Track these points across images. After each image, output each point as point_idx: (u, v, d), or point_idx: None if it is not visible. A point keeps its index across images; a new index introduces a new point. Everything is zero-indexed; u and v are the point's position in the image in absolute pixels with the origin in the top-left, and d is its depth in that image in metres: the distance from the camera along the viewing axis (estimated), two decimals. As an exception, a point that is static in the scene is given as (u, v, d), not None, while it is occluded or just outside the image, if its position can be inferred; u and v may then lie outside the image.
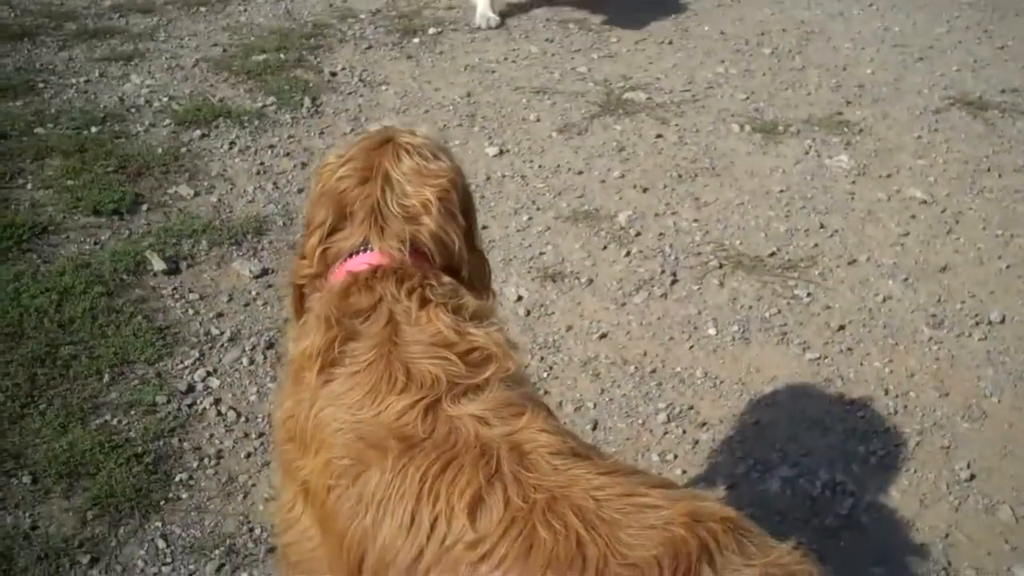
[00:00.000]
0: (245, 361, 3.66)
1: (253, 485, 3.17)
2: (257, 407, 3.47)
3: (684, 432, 3.48)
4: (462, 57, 6.29)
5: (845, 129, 5.55)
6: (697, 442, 3.45)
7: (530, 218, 4.62)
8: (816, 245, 4.50)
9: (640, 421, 3.53)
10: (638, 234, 4.54)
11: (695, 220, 4.66)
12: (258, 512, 3.07)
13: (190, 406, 3.45)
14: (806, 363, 3.82)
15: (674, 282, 4.23)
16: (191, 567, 2.90)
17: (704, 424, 3.52)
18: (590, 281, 4.22)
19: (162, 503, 3.07)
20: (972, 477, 3.34)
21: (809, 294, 4.17)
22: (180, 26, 6.53)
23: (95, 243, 4.22)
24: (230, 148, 5.04)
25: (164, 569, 2.88)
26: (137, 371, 3.57)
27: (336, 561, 1.80)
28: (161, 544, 2.94)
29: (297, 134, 5.24)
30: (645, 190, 4.89)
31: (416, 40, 6.48)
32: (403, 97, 5.72)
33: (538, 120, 5.54)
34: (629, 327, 3.98)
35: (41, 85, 5.56)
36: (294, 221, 4.48)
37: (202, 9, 6.82)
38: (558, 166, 5.08)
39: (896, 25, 7.11)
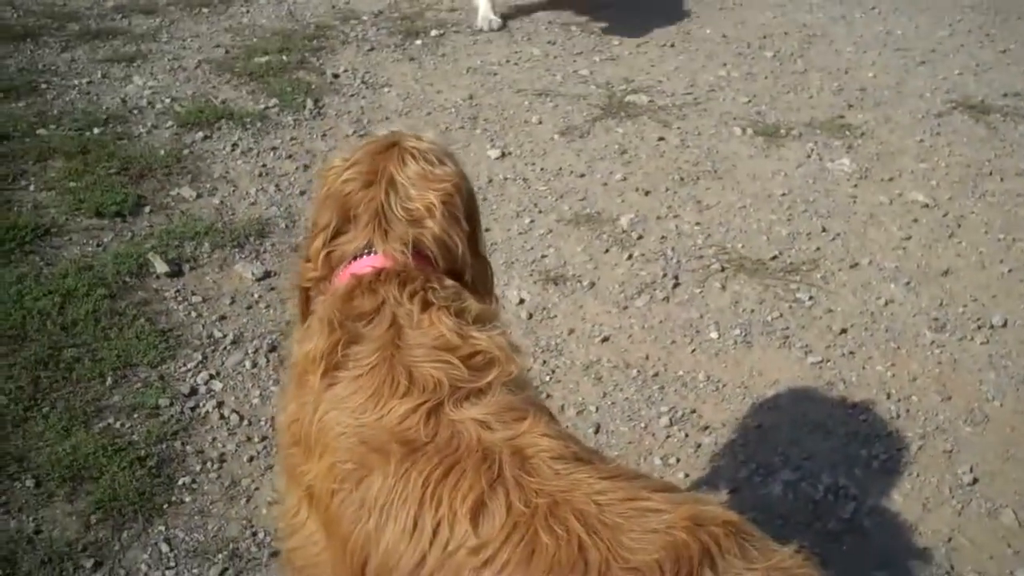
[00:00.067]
0: (248, 364, 3.66)
1: (256, 489, 3.17)
2: (260, 410, 3.47)
3: (686, 436, 3.48)
4: (464, 59, 6.30)
5: (847, 132, 5.55)
6: (699, 446, 3.45)
7: (532, 221, 4.62)
8: (818, 248, 4.50)
9: (642, 425, 3.53)
10: (640, 237, 4.54)
11: (697, 223, 4.66)
12: (261, 516, 3.07)
13: (193, 409, 3.45)
14: (808, 367, 3.82)
15: (676, 285, 4.23)
16: (194, 571, 2.89)
17: (706, 428, 3.52)
18: (592, 284, 4.22)
19: (165, 507, 3.07)
20: (975, 481, 3.34)
21: (811, 297, 4.17)
22: (182, 27, 6.54)
23: (98, 245, 4.23)
24: (232, 150, 5.04)
25: (167, 573, 2.88)
26: (140, 374, 3.57)
27: (339, 565, 1.80)
28: (164, 548, 2.94)
29: (299, 136, 5.24)
30: (647, 193, 4.89)
31: (418, 42, 6.48)
32: (405, 99, 5.72)
33: (540, 123, 5.54)
34: (631, 330, 3.98)
35: (44, 86, 5.56)
36: (296, 223, 4.48)
37: (204, 10, 6.83)
38: (560, 169, 5.08)
39: (898, 29, 7.11)
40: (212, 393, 3.52)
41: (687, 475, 3.34)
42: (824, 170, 5.17)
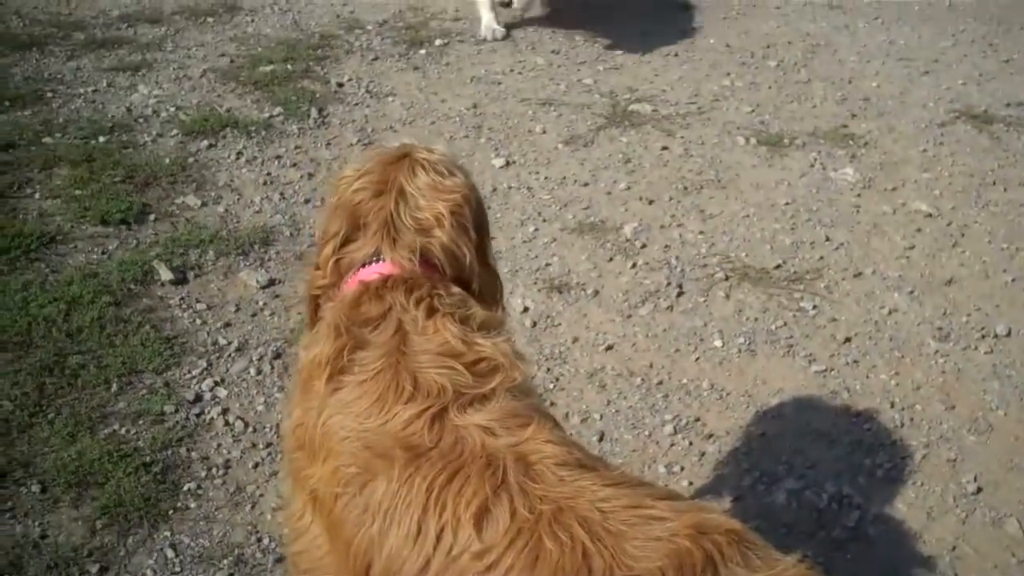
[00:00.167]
0: (252, 371, 3.67)
1: (261, 495, 3.17)
2: (265, 417, 3.48)
3: (690, 444, 3.49)
4: (468, 69, 6.31)
5: (850, 142, 5.56)
6: (703, 454, 3.45)
7: (536, 229, 4.63)
8: (822, 258, 4.51)
9: (646, 433, 3.53)
10: (644, 246, 4.55)
11: (701, 232, 4.67)
12: (266, 522, 3.08)
13: (198, 416, 3.45)
14: (812, 375, 3.82)
15: (680, 294, 4.24)
16: (199, 577, 2.91)
17: (710, 436, 3.53)
18: (596, 293, 4.23)
19: (171, 513, 3.08)
20: (979, 490, 3.34)
21: (815, 307, 4.17)
22: (187, 36, 6.56)
23: (103, 253, 4.24)
24: (237, 158, 5.06)
25: (173, 579, 2.89)
26: (145, 380, 3.58)
27: (343, 569, 1.81)
28: (170, 554, 2.94)
29: (304, 145, 5.25)
30: (651, 202, 4.90)
31: (422, 51, 6.50)
32: (409, 108, 5.73)
33: (544, 132, 5.55)
34: (635, 339, 3.98)
35: (49, 95, 5.58)
36: (301, 231, 4.50)
37: (209, 20, 6.85)
38: (564, 178, 5.09)
39: (901, 38, 7.13)
40: (217, 400, 3.53)
41: (691, 483, 3.34)
42: (827, 180, 5.18)
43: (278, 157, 5.10)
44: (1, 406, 3.37)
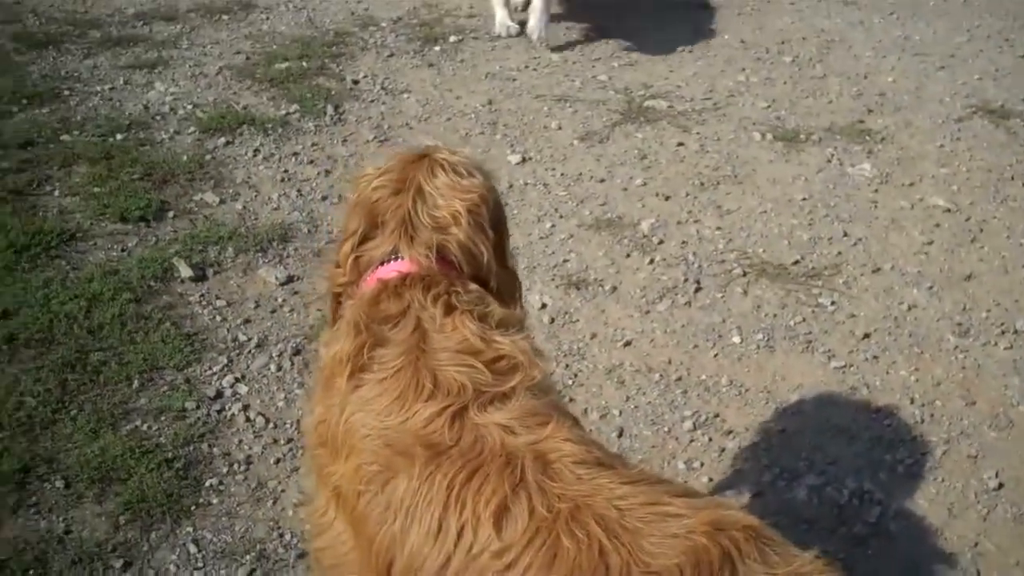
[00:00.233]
0: (272, 367, 3.68)
1: (282, 491, 3.19)
2: (285, 413, 3.49)
3: (710, 440, 3.49)
4: (483, 65, 6.32)
5: (867, 137, 5.55)
6: (723, 450, 3.46)
7: (553, 226, 4.64)
8: (840, 253, 4.50)
9: (666, 429, 3.53)
10: (661, 242, 4.55)
11: (718, 228, 4.67)
12: (288, 518, 3.09)
13: (219, 412, 3.47)
14: (831, 371, 3.82)
15: (698, 290, 4.24)
16: (222, 572, 2.91)
17: (730, 432, 3.53)
18: (614, 289, 4.23)
19: (193, 508, 3.09)
20: (1000, 486, 3.34)
21: (833, 302, 4.17)
22: (203, 34, 6.57)
23: (123, 250, 4.25)
24: (254, 155, 5.07)
25: (196, 574, 2.90)
26: (166, 377, 3.60)
27: (366, 566, 1.83)
28: (192, 549, 2.96)
29: (320, 142, 5.26)
30: (667, 198, 4.90)
31: (437, 48, 6.50)
32: (425, 105, 5.74)
33: (559, 128, 5.55)
34: (653, 335, 3.98)
35: (67, 92, 5.61)
36: (318, 228, 4.51)
37: (225, 17, 6.86)
38: (580, 174, 5.10)
39: (916, 34, 7.11)
40: (238, 396, 3.55)
41: (711, 479, 3.34)
42: (844, 175, 5.17)
43: (295, 154, 5.11)
44: (24, 402, 3.39)
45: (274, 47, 6.42)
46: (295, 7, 7.13)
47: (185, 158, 4.98)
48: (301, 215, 4.60)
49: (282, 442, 3.37)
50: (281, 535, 3.04)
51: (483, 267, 2.14)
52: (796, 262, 4.42)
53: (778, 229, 4.67)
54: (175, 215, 4.53)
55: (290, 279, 4.16)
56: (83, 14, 6.82)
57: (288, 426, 3.43)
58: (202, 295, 4.02)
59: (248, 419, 3.45)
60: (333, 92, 5.80)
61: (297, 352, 3.77)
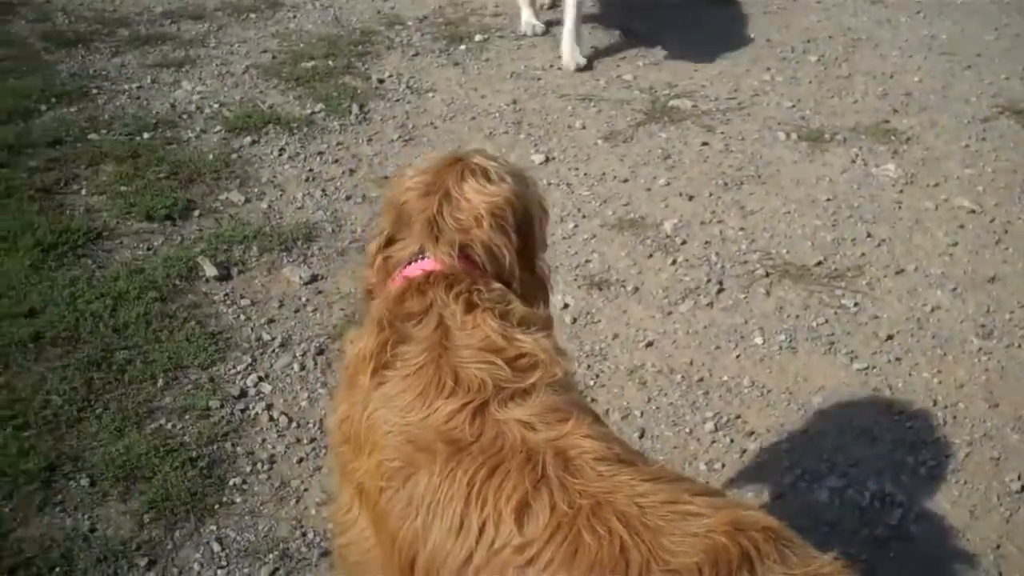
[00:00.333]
0: (296, 367, 3.71)
1: (305, 490, 3.21)
2: (308, 412, 3.52)
3: (732, 441, 3.49)
4: (508, 64, 6.33)
5: (892, 137, 5.52)
6: (745, 451, 3.46)
7: (576, 226, 4.64)
8: (863, 254, 4.49)
9: (687, 430, 3.54)
10: (684, 242, 4.55)
11: (741, 228, 4.66)
12: (311, 517, 3.12)
13: (243, 411, 3.50)
14: (854, 373, 3.81)
15: (720, 291, 4.24)
16: (246, 571, 2.94)
17: (752, 433, 3.53)
18: (636, 289, 4.23)
19: (217, 507, 3.12)
20: (1022, 488, 3.32)
21: (856, 303, 4.16)
22: (230, 33, 6.62)
23: (148, 249, 4.30)
24: (280, 154, 5.11)
25: (219, 572, 2.93)
26: (191, 376, 3.63)
27: (389, 562, 1.85)
28: (216, 548, 2.99)
29: (345, 141, 5.29)
30: (691, 198, 4.90)
31: (462, 47, 6.52)
32: (450, 104, 5.76)
33: (583, 127, 5.56)
34: (675, 335, 3.99)
35: (95, 91, 5.66)
36: (342, 228, 4.54)
37: (252, 16, 6.90)
38: (604, 174, 5.10)
39: (943, 33, 7.06)
40: (261, 395, 3.57)
41: (732, 480, 3.34)
42: (869, 175, 5.15)
43: (320, 153, 5.14)
44: (51, 401, 3.43)
45: (300, 46, 6.45)
46: (322, 5, 7.17)
47: (211, 157, 5.02)
48: (325, 214, 4.62)
49: (305, 441, 3.39)
50: (304, 534, 3.06)
51: (505, 269, 2.16)
52: (819, 263, 4.41)
53: (801, 230, 4.66)
54: (201, 214, 4.57)
55: (314, 278, 4.19)
56: (112, 12, 6.88)
57: (311, 425, 3.46)
58: (227, 294, 4.06)
59: (271, 418, 3.47)
60: (359, 91, 5.83)
61: (320, 352, 3.79)
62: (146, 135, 5.20)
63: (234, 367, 3.69)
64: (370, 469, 1.89)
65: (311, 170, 4.98)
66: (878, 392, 3.73)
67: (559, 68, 6.28)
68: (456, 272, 2.08)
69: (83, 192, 4.66)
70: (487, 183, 2.18)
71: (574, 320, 4.03)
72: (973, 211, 4.83)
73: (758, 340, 3.96)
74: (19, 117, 5.31)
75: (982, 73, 6.39)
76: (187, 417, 3.44)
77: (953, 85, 6.21)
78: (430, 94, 5.87)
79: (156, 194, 4.62)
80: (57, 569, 2.88)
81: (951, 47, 6.81)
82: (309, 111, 5.55)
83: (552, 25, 6.83)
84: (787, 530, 1.57)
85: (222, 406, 3.50)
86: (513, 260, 2.17)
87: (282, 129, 5.33)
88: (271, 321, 3.94)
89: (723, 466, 3.39)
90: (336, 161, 5.08)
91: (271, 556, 2.98)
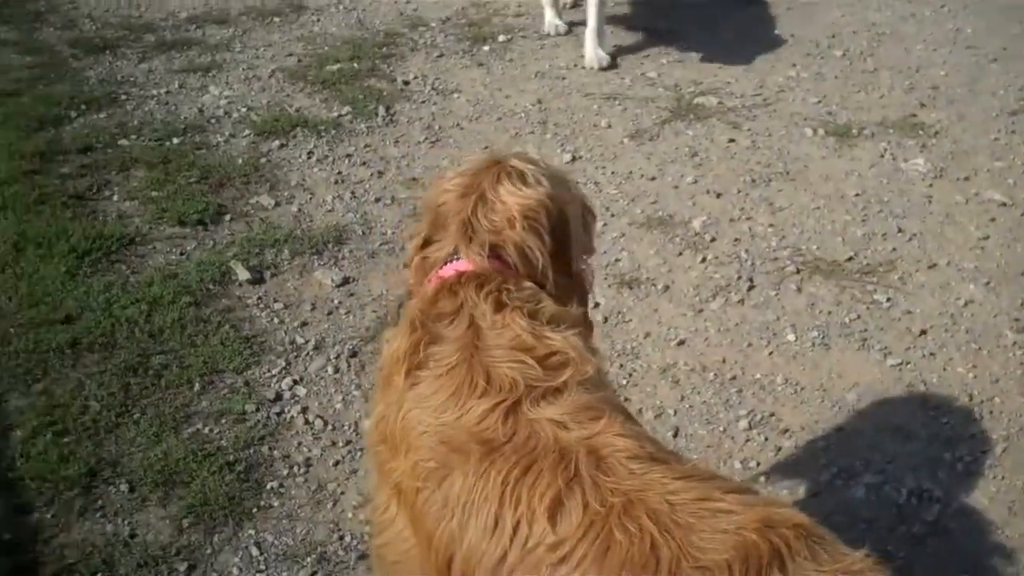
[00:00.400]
0: (330, 369, 3.73)
1: (342, 493, 3.23)
2: (343, 415, 3.53)
3: (766, 439, 3.49)
4: (532, 64, 6.33)
5: (920, 132, 5.50)
6: (779, 449, 3.45)
7: (604, 224, 4.64)
8: (894, 249, 4.47)
9: (721, 428, 3.54)
10: (713, 240, 4.54)
11: (770, 225, 4.65)
12: (348, 520, 3.13)
13: (278, 415, 3.52)
14: (888, 369, 3.80)
15: (751, 288, 4.23)
16: (284, 574, 2.95)
17: (786, 431, 3.52)
18: (666, 288, 4.23)
19: (254, 511, 3.14)
20: (1061, 483, 3.31)
21: (889, 299, 4.15)
22: (255, 37, 6.65)
23: (181, 253, 4.33)
24: (308, 158, 5.13)
25: (258, 576, 2.95)
26: (226, 380, 3.65)
27: (426, 562, 1.87)
28: (255, 552, 3.00)
29: (373, 143, 5.31)
30: (719, 195, 4.89)
31: (486, 48, 6.53)
32: (475, 105, 5.77)
33: (609, 126, 5.56)
34: (707, 333, 3.98)
35: (123, 97, 5.70)
36: (372, 230, 4.55)
37: (276, 20, 6.94)
38: (630, 172, 5.10)
39: (969, 26, 7.02)
40: (296, 398, 3.59)
41: (767, 478, 3.34)
42: (898, 170, 5.13)
43: (348, 156, 5.16)
44: (89, 407, 3.46)
45: (325, 49, 6.48)
46: (345, 8, 7.19)
47: (240, 161, 5.05)
48: (355, 216, 4.64)
49: (340, 444, 3.41)
50: (341, 537, 3.08)
51: (537, 271, 2.17)
52: (850, 258, 4.40)
53: (831, 225, 4.65)
54: (232, 218, 4.59)
55: (346, 281, 4.20)
56: (138, 18, 6.93)
57: (346, 428, 3.47)
58: (260, 298, 4.08)
59: (307, 421, 3.49)
60: (384, 93, 5.85)
61: (354, 354, 3.81)
62: (175, 140, 5.24)
63: (269, 370, 3.71)
64: (406, 469, 1.90)
65: (340, 173, 5.00)
66: (912, 388, 3.72)
67: (583, 67, 6.28)
68: (487, 272, 2.09)
69: (115, 198, 4.70)
70: (523, 186, 2.19)
71: (605, 319, 4.03)
72: (1004, 204, 4.81)
73: (790, 337, 3.95)
74: (50, 124, 5.36)
75: (1008, 66, 6.36)
76: (223, 421, 3.46)
77: (980, 78, 6.18)
78: (455, 95, 5.88)
79: (187, 199, 4.65)
80: (98, 574, 2.91)
81: (976, 40, 6.78)
82: (336, 114, 5.58)
83: (575, 25, 6.83)
84: (818, 527, 1.58)
85: (258, 410, 3.52)
86: (546, 262, 2.18)
87: (310, 132, 5.36)
88: (304, 324, 3.96)
89: (758, 464, 3.39)
90: (364, 163, 5.10)
91: (309, 559, 3.00)
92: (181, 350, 3.75)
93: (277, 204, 4.71)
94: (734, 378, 3.76)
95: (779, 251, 4.46)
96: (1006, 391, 3.69)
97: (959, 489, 3.29)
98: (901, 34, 6.88)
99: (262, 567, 2.97)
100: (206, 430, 3.42)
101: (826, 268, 4.33)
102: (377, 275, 4.25)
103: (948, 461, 3.39)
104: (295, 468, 3.31)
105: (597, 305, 4.10)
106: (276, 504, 3.18)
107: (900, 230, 4.61)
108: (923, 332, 3.97)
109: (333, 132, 5.38)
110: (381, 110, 5.61)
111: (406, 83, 6.00)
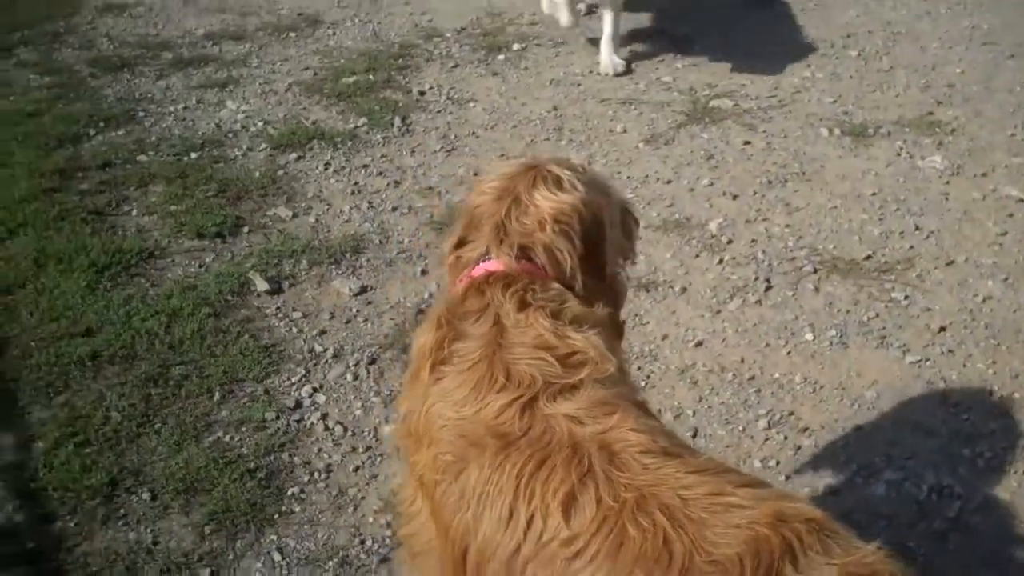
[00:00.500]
0: (349, 377, 3.75)
1: (363, 498, 3.24)
2: (363, 421, 3.55)
3: (786, 438, 3.48)
4: (547, 71, 6.35)
5: (937, 129, 5.49)
6: (799, 448, 3.45)
7: (622, 229, 4.64)
8: (912, 247, 4.46)
9: (740, 428, 3.53)
10: (730, 241, 4.54)
11: (787, 226, 4.65)
12: (369, 524, 3.14)
13: (298, 422, 3.54)
14: (907, 366, 3.79)
15: (768, 288, 4.23)
16: (306, 579, 2.98)
17: (805, 430, 3.52)
18: (684, 289, 4.23)
19: (276, 517, 3.16)
20: (1083, 478, 3.30)
21: (907, 296, 4.14)
22: (272, 51, 6.70)
23: (200, 266, 4.36)
24: (325, 169, 5.16)
25: (281, 581, 2.97)
26: (246, 389, 3.68)
27: (443, 553, 1.90)
28: (277, 557, 3.02)
29: (389, 153, 5.34)
30: (735, 197, 4.89)
31: (501, 56, 6.56)
32: (491, 113, 5.79)
33: (624, 131, 5.57)
34: (725, 334, 3.98)
35: (141, 114, 5.76)
36: (389, 239, 4.57)
37: (292, 34, 6.99)
38: (646, 176, 5.11)
39: (985, 23, 7.00)
40: (316, 406, 3.61)
41: (787, 477, 3.33)
42: (915, 168, 5.12)
43: (365, 166, 5.19)
44: (110, 417, 3.49)
45: (341, 61, 6.52)
46: (361, 21, 7.24)
47: (258, 174, 5.09)
48: (372, 226, 4.67)
49: (361, 450, 3.43)
50: (363, 541, 3.09)
51: (566, 273, 2.19)
52: (868, 257, 4.39)
53: (848, 224, 4.64)
54: (250, 230, 4.63)
55: (363, 289, 4.23)
56: (155, 36, 6.99)
57: (366, 434, 3.49)
58: (278, 307, 4.11)
59: (327, 428, 3.51)
60: (400, 104, 5.88)
61: (372, 361, 3.83)
62: (193, 155, 5.28)
63: (288, 379, 3.73)
64: (428, 462, 1.94)
65: (356, 183, 5.03)
66: (932, 384, 3.70)
67: (598, 73, 6.29)
68: (515, 272, 2.12)
69: (134, 213, 4.74)
70: (557, 190, 2.22)
71: (623, 322, 4.03)
72: (1021, 200, 4.79)
73: (808, 336, 3.95)
74: (69, 142, 5.42)
75: (1025, 62, 6.33)
76: (244, 429, 3.49)
77: (996, 75, 6.16)
78: (471, 104, 5.91)
79: (205, 212, 4.69)
80: (123, 582, 2.94)
81: (993, 37, 6.76)
82: (352, 125, 5.61)
83: (590, 31, 6.84)
84: (831, 521, 1.58)
85: (278, 417, 3.55)
86: (575, 265, 2.20)
87: (326, 144, 5.39)
88: (323, 333, 3.98)
89: (778, 463, 3.38)
90: (380, 173, 5.13)
91: (331, 564, 3.01)
92: (201, 360, 3.78)
93: (295, 215, 4.74)
94: (752, 378, 3.76)
95: (796, 251, 4.46)
96: (1026, 386, 3.68)
97: (980, 485, 3.28)
98: (916, 32, 6.87)
99: (284, 572, 2.99)
100: (227, 438, 3.44)
101: (844, 267, 4.33)
102: (395, 283, 4.27)
103: (968, 457, 3.38)
104: (316, 474, 3.33)
105: (616, 308, 4.10)
106: (297, 510, 3.20)
107: (917, 228, 4.59)
108: (942, 329, 3.96)
109: (350, 143, 5.41)
110: (397, 121, 5.64)
111: (422, 93, 6.03)
